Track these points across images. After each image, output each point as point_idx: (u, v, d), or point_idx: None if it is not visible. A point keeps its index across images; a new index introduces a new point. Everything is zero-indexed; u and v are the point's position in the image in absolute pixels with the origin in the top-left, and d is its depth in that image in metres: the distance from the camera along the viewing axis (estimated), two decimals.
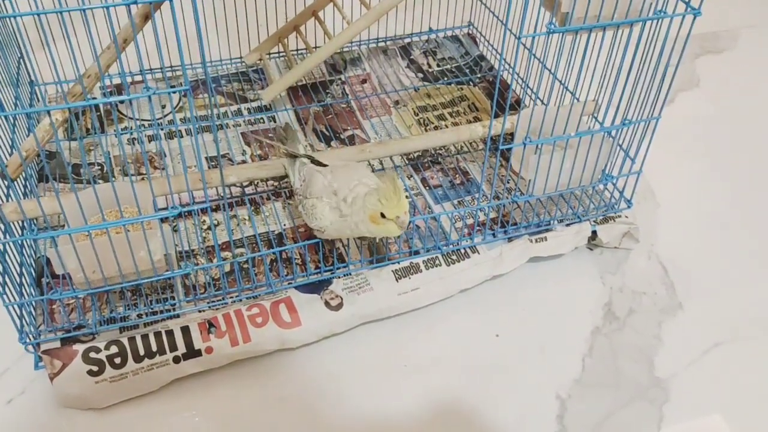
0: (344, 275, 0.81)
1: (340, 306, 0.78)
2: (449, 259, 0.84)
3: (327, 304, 0.78)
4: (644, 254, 0.92)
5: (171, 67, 1.10)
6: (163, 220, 0.87)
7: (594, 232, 0.89)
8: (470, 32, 1.23)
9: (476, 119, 1.08)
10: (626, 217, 0.90)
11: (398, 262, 0.83)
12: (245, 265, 0.83)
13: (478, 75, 1.14)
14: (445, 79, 1.14)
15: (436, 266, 0.83)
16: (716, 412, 0.75)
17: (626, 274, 0.89)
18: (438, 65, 1.18)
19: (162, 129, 1.02)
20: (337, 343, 0.80)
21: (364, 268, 0.82)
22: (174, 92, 0.59)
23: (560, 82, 0.90)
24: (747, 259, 0.93)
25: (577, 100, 0.87)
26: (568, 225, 0.88)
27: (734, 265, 0.92)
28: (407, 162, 1.00)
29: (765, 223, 0.98)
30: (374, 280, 0.80)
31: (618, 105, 0.82)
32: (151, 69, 1.09)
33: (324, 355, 0.79)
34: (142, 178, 0.90)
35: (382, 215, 0.70)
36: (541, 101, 1.00)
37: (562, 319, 0.84)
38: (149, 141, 1.00)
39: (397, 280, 0.81)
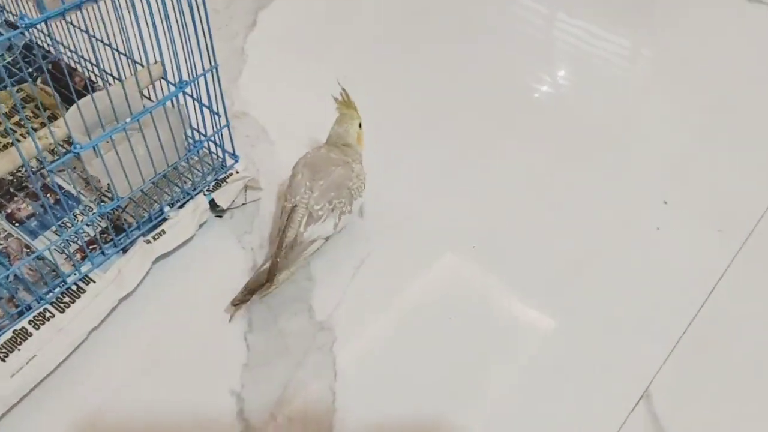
0: None
1: None
2: (61, 305, 0.72)
3: None
4: (274, 198, 0.88)
5: None
6: None
7: (212, 201, 0.82)
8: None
9: (52, 118, 0.93)
10: (237, 172, 0.85)
11: None
12: None
13: (32, 68, 0.97)
14: None
15: (49, 319, 0.70)
16: (381, 326, 0.77)
17: (263, 227, 0.85)
18: None
19: None
20: None
21: None
22: None
23: (112, 48, 0.78)
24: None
25: (142, 66, 0.77)
26: (181, 207, 0.81)
27: None
28: None
29: (384, 128, 0.95)
30: None
31: (165, 70, 0.74)
32: None
33: None
34: None
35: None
36: (113, 78, 0.88)
37: (214, 305, 0.78)
38: None
39: (3, 359, 0.67)
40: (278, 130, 0.97)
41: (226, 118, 0.81)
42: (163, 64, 0.79)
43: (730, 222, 0.87)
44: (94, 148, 0.68)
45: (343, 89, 0.82)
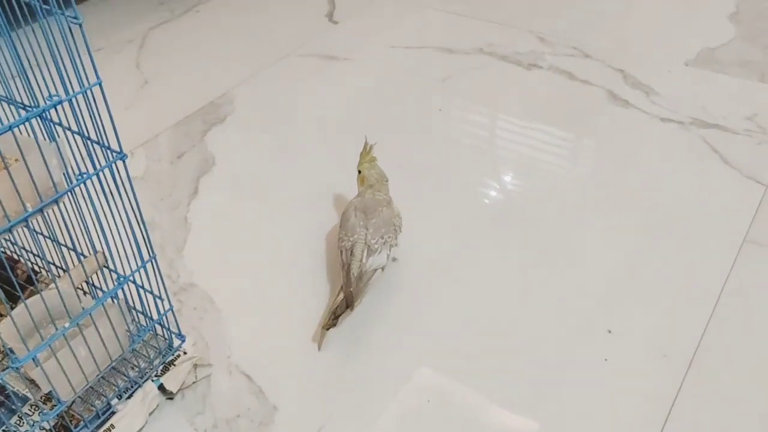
0: None
1: None
2: None
3: None
4: (225, 372, 0.88)
5: None
6: None
7: (161, 386, 0.81)
8: None
9: None
10: (185, 352, 0.84)
11: None
12: None
13: None
14: None
15: None
16: None
17: (215, 405, 0.84)
18: None
19: None
20: None
21: None
22: None
23: (52, 240, 0.79)
24: (301, 340, 0.91)
25: (84, 256, 0.77)
26: (129, 397, 0.79)
27: (293, 346, 0.90)
28: None
29: (307, 292, 0.98)
30: None
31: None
32: None
33: None
34: None
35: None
36: (59, 268, 0.88)
37: None
38: None
39: None
40: (225, 298, 0.97)
41: (169, 302, 0.81)
42: (103, 254, 0.80)
43: (673, 345, 0.89)
44: (33, 359, 0.68)
45: (366, 142, 0.98)
